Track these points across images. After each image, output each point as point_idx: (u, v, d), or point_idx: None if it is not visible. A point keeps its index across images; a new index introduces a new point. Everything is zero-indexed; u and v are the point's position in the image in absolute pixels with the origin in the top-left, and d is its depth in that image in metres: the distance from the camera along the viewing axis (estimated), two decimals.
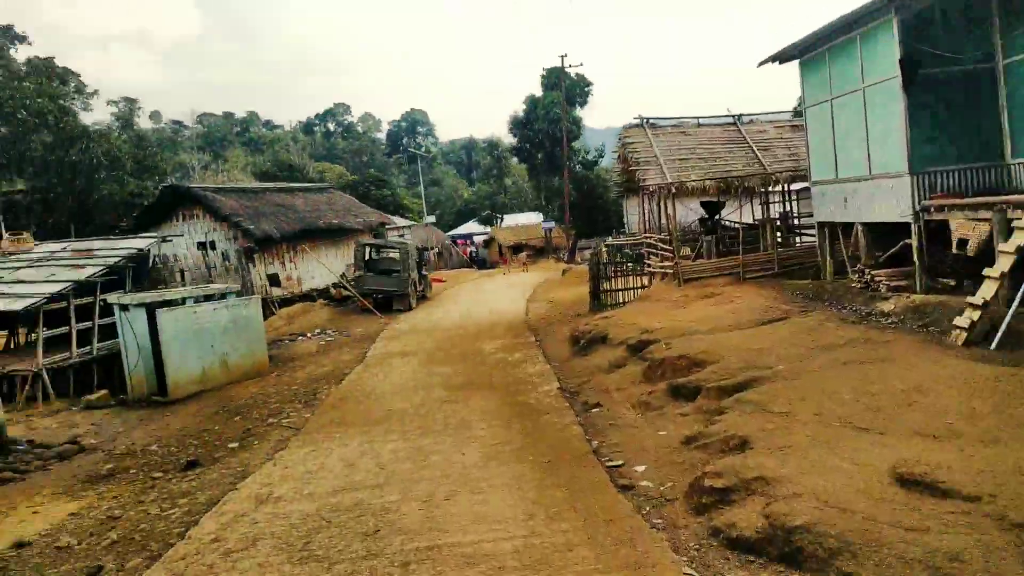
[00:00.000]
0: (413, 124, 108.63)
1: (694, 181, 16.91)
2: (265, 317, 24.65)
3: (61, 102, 34.53)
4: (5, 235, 23.75)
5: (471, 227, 65.95)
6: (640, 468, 7.76)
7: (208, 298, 17.37)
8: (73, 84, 38.56)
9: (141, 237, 23.77)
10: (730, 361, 10.39)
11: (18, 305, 18.43)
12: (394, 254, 27.12)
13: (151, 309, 16.06)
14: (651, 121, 19.47)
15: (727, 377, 9.71)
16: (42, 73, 35.48)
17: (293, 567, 5.90)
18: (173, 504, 8.19)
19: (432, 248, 47.73)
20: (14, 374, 18.57)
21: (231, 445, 11.08)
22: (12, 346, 22.05)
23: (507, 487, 7.46)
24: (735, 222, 20.86)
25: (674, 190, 16.98)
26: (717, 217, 20.61)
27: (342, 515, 7.04)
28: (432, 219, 63.08)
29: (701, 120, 19.91)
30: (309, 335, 22.16)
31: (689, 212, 23.57)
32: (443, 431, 10.12)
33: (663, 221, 20.18)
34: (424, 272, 28.86)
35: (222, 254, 26.57)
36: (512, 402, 11.49)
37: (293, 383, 15.45)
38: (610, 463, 8.02)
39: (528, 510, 6.75)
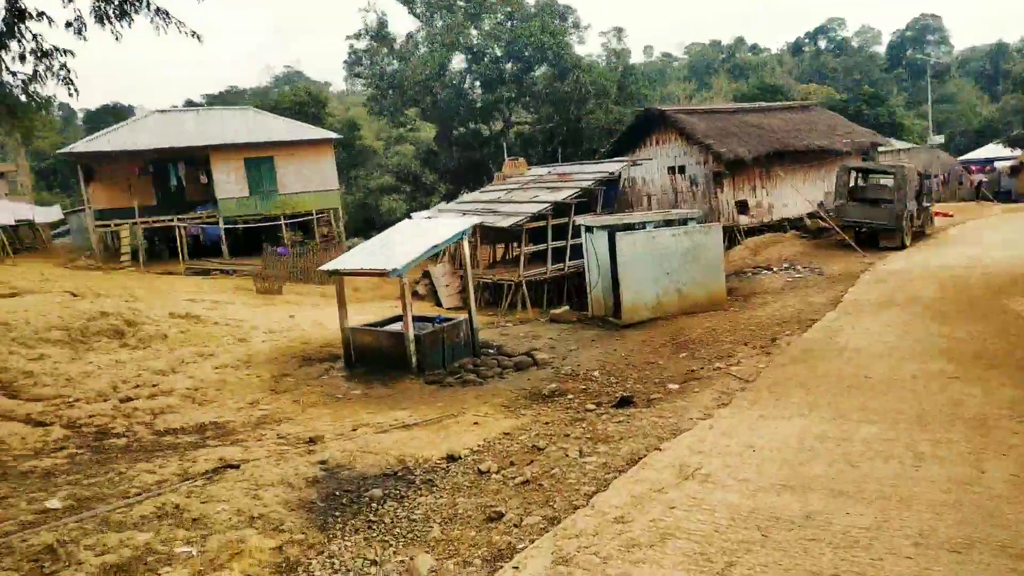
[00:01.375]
0: (921, 32, 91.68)
1: None
2: (728, 246, 23.13)
3: (560, 37, 37.57)
4: (506, 160, 26.78)
5: (991, 150, 52.94)
6: None
7: (668, 223, 16.55)
8: (571, 20, 41.65)
9: (613, 161, 24.27)
10: None
11: (507, 223, 20.41)
12: (886, 181, 22.47)
13: (612, 232, 15.85)
14: None
15: None
16: (546, 12, 39.01)
17: None
18: (593, 449, 7.29)
19: (935, 175, 39.47)
20: (501, 283, 20.85)
21: (670, 386, 9.92)
22: (506, 258, 25.00)
23: None
24: None
25: None
26: None
27: (785, 531, 5.08)
28: (939, 139, 52.40)
29: None
30: (775, 269, 19.85)
31: None
32: (947, 424, 7.15)
33: None
34: (926, 203, 23.41)
35: (690, 178, 25.65)
36: None
37: (750, 323, 13.62)
38: None
39: None
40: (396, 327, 12.69)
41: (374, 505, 6.34)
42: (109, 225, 28.35)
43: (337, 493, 6.62)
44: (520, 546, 5.13)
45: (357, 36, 39.46)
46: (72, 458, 7.58)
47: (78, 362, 11.52)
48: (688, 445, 7.06)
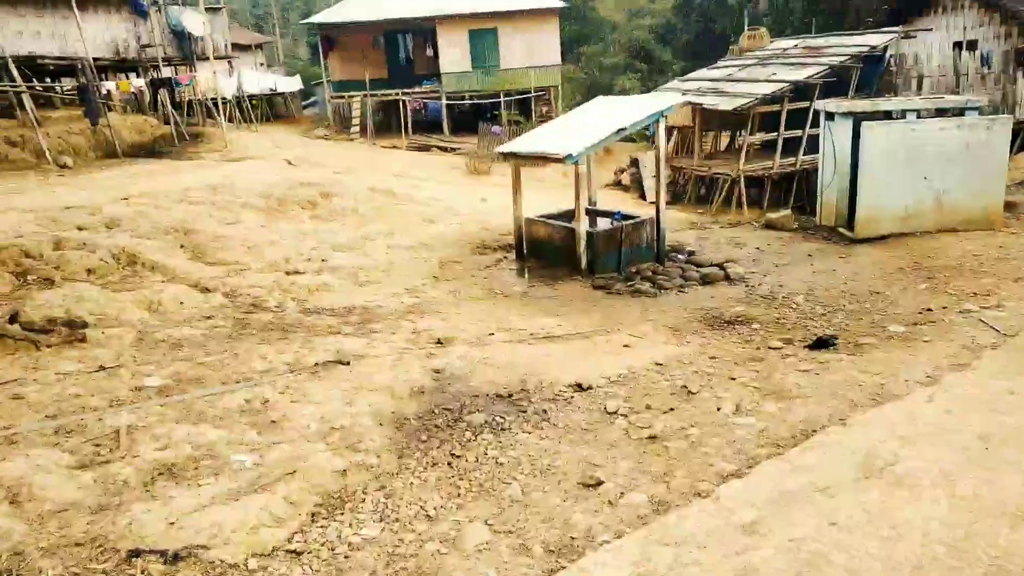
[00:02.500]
0: None
1: None
2: (1020, 149, 18.27)
3: None
4: (744, 31, 23.17)
5: None
6: None
7: (940, 113, 13.02)
8: None
9: (876, 32, 19.86)
10: None
11: (730, 105, 17.72)
12: None
13: (858, 120, 12.83)
14: None
15: None
16: None
17: None
18: (756, 406, 5.67)
19: None
20: (716, 176, 18.44)
21: (892, 328, 7.70)
22: (732, 147, 22.16)
23: None
24: None
25: None
26: None
27: None
28: None
29: None
30: None
31: None
32: None
33: None
34: None
35: (981, 57, 20.36)
36: None
37: None
38: None
39: None
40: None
41: (468, 434, 5.43)
42: (343, 97, 29.68)
43: (436, 411, 5.81)
44: (601, 539, 3.90)
45: None
46: (209, 330, 7.60)
47: (266, 230, 11.89)
48: (889, 421, 5.16)
